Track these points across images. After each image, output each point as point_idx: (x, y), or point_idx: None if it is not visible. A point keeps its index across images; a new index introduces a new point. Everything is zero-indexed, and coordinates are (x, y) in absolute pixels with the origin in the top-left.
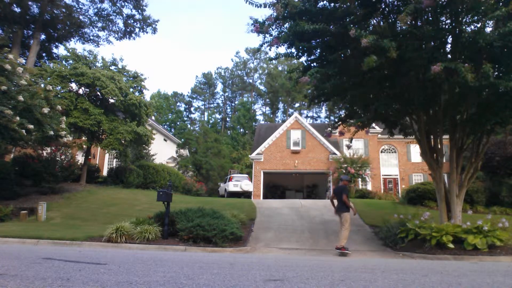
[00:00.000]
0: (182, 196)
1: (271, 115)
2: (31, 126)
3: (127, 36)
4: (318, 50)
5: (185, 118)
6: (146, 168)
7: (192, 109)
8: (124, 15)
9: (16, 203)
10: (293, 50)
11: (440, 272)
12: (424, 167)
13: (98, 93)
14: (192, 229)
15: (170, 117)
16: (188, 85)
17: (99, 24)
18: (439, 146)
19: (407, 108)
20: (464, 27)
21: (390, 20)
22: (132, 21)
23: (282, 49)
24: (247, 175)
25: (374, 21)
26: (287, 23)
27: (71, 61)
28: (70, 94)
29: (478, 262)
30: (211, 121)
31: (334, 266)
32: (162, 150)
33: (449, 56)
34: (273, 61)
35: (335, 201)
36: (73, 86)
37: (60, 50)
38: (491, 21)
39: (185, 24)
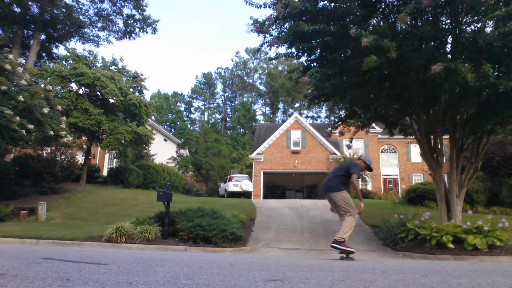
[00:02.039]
0: (182, 196)
1: (271, 115)
2: (31, 126)
3: (127, 36)
4: (318, 50)
5: (185, 118)
6: (146, 168)
7: (192, 109)
8: (124, 15)
9: (16, 203)
10: (293, 50)
11: (440, 272)
12: (424, 167)
13: (98, 93)
14: (192, 229)
15: (170, 117)
16: (188, 85)
17: (99, 24)
18: (439, 146)
19: (407, 108)
20: (464, 27)
21: (390, 20)
22: (132, 21)
23: (282, 49)
24: (247, 175)
25: (374, 21)
26: (287, 23)
27: (71, 61)
28: (70, 94)
29: (478, 262)
30: (211, 121)
31: (334, 266)
32: (162, 150)
33: (449, 56)
34: (273, 61)
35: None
36: (73, 86)
37: (60, 50)
38: (491, 21)
39: (185, 24)
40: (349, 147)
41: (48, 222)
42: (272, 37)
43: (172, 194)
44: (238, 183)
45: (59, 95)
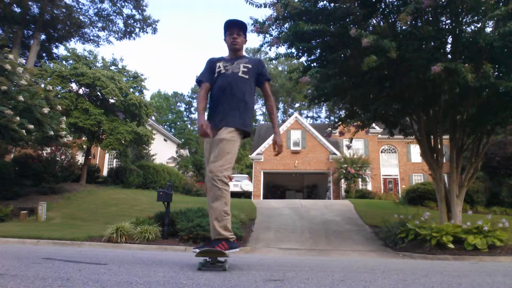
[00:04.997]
0: (182, 196)
1: None
2: (31, 126)
3: (127, 36)
4: (318, 50)
5: (185, 118)
6: (146, 168)
7: (192, 109)
8: (124, 15)
9: (16, 203)
10: (293, 50)
11: (440, 272)
12: (424, 167)
13: (98, 93)
14: (192, 229)
15: (170, 117)
16: (188, 85)
17: (99, 24)
18: (439, 146)
19: (407, 108)
20: (464, 27)
21: (390, 20)
22: (132, 21)
23: (282, 49)
24: (247, 175)
25: (374, 21)
26: (287, 23)
27: (71, 61)
28: (70, 94)
29: (478, 262)
30: None
31: (334, 266)
32: (162, 150)
33: (449, 56)
34: (273, 61)
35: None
36: (73, 86)
37: (60, 50)
38: (491, 21)
39: (185, 24)
40: (349, 147)
41: (48, 222)
42: (272, 37)
43: (172, 194)
44: (238, 183)
45: (59, 95)
